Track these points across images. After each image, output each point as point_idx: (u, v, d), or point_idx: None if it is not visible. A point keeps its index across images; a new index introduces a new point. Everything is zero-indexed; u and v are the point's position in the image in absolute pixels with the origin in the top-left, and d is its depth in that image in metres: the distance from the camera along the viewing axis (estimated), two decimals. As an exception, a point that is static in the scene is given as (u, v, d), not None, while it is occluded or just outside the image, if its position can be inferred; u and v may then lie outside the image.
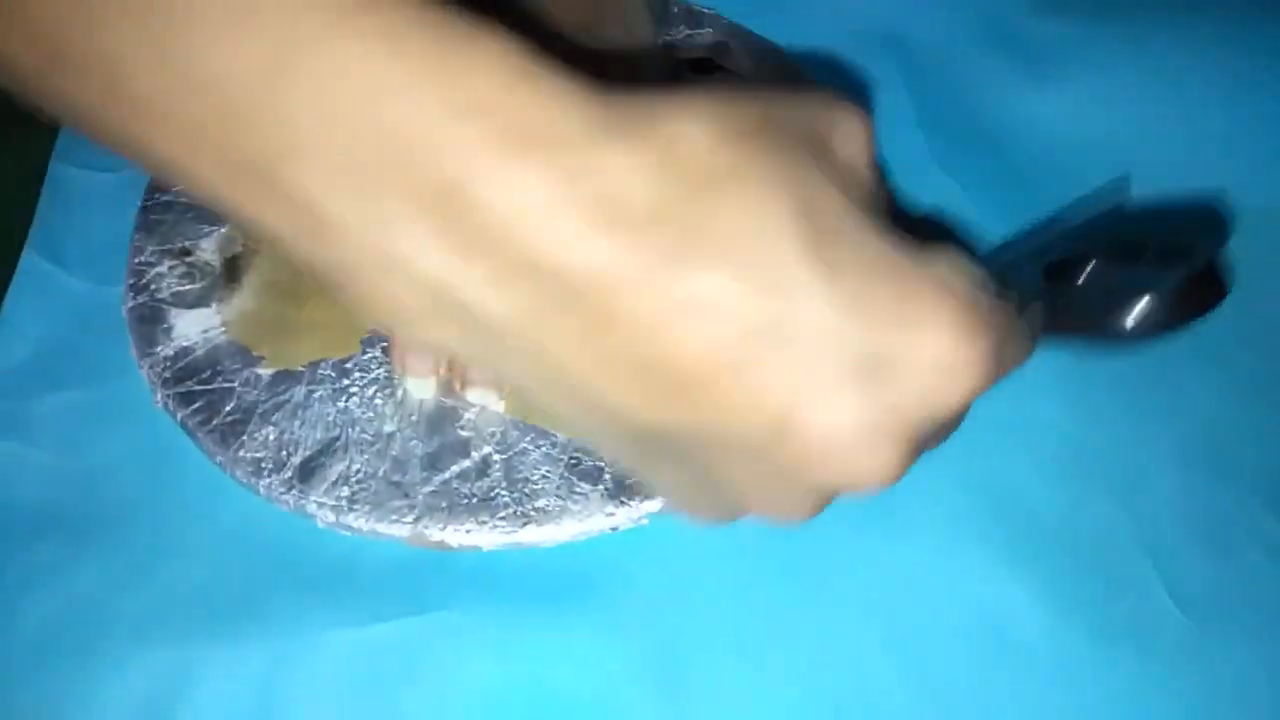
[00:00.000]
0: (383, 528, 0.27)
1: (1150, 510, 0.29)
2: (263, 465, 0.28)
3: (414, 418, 0.29)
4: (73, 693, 0.25)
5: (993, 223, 0.34)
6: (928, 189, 0.35)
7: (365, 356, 0.30)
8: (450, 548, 0.27)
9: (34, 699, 0.25)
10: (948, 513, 0.28)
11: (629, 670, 0.26)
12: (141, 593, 0.27)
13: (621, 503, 0.27)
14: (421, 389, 0.29)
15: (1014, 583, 0.27)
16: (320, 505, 0.27)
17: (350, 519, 0.27)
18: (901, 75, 0.38)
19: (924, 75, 0.38)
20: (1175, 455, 0.30)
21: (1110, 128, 0.37)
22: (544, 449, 0.28)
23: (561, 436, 0.28)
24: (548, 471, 0.28)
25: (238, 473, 0.28)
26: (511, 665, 0.26)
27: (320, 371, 0.29)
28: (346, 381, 0.29)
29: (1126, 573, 0.28)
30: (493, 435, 0.28)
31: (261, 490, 0.27)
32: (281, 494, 0.27)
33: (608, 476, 0.28)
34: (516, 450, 0.28)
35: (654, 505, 0.27)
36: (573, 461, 0.28)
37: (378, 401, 0.29)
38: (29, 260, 0.32)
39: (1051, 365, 0.31)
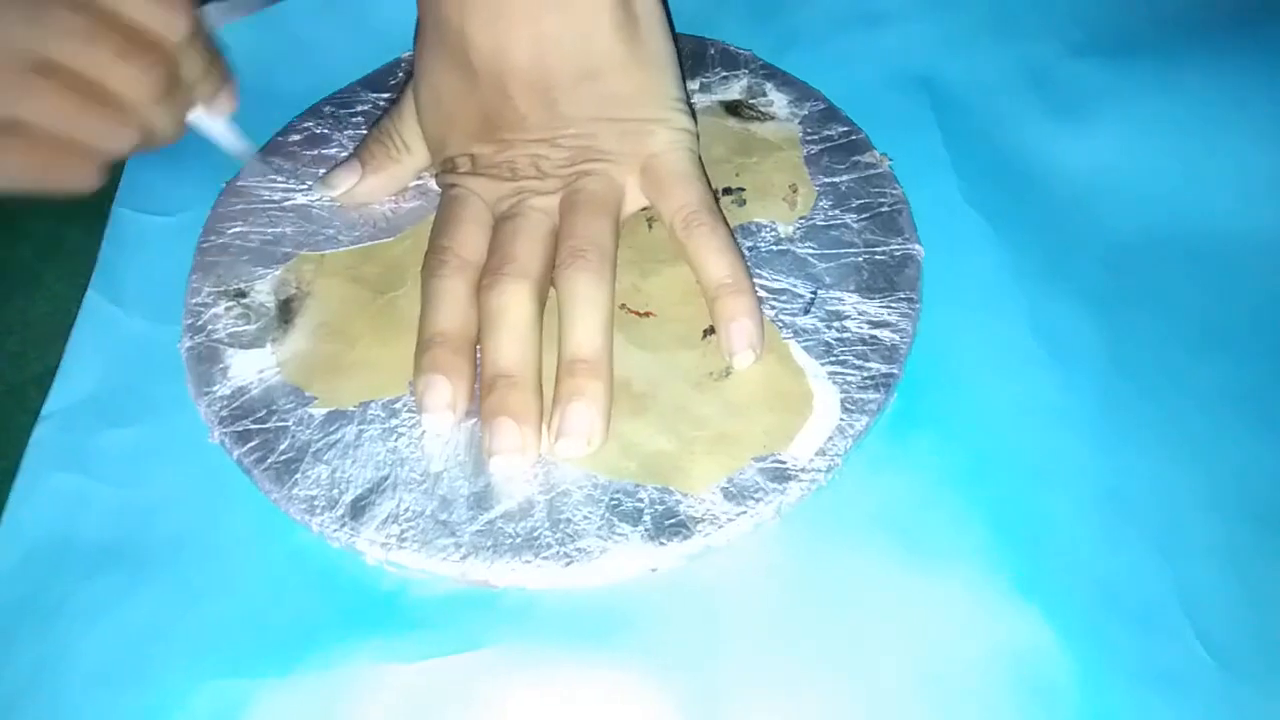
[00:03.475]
0: (430, 565, 0.28)
1: (1183, 555, 0.29)
2: (315, 503, 0.29)
3: (461, 458, 0.29)
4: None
5: (1023, 262, 0.35)
6: (959, 228, 0.35)
7: (413, 397, 0.30)
8: (495, 586, 0.28)
9: (95, 726, 0.26)
10: (980, 555, 0.29)
11: (667, 708, 0.27)
12: (197, 625, 0.28)
13: (661, 544, 0.28)
14: (439, 425, 0.30)
15: (1046, 626, 0.28)
16: (370, 543, 0.28)
17: (399, 556, 0.28)
18: (934, 115, 0.39)
19: (956, 116, 0.39)
20: (1209, 500, 0.30)
21: (1141, 168, 0.37)
22: (585, 490, 0.29)
23: (603, 479, 0.29)
24: (589, 513, 0.28)
25: (291, 510, 0.29)
26: (554, 702, 0.27)
27: (370, 411, 0.30)
28: (395, 421, 0.30)
29: (1159, 618, 0.28)
30: (535, 477, 0.29)
31: (314, 527, 0.28)
32: (333, 531, 0.28)
33: (647, 518, 0.28)
34: (559, 491, 0.29)
35: (693, 547, 0.28)
36: (613, 503, 0.29)
37: (425, 442, 0.30)
38: (91, 300, 0.33)
39: (1086, 406, 0.31)
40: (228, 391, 0.31)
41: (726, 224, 0.33)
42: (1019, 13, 0.42)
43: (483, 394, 0.29)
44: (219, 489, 0.30)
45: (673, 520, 0.28)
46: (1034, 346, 0.33)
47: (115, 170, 0.36)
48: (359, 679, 0.27)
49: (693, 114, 0.34)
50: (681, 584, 0.28)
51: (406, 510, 0.28)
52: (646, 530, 0.28)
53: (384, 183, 0.35)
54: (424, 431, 0.30)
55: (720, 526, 0.28)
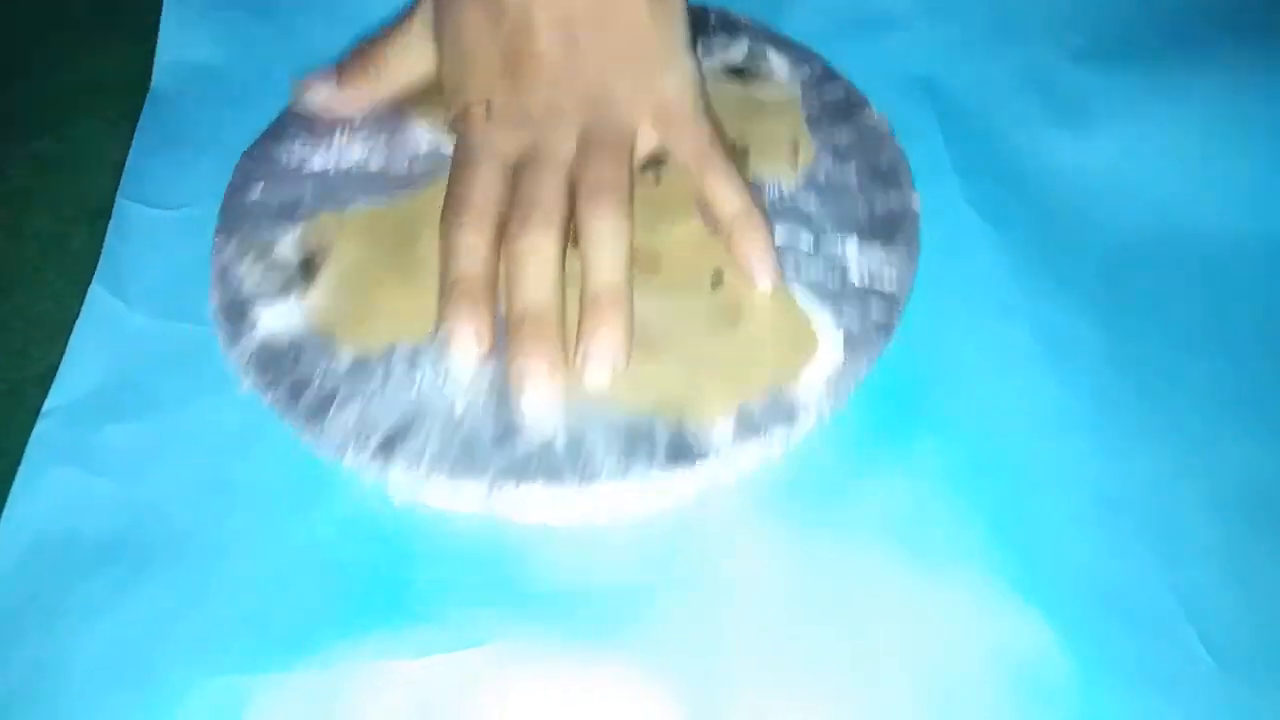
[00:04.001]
0: (457, 501, 0.29)
1: (1184, 558, 0.29)
2: (346, 443, 0.30)
3: (484, 398, 0.30)
4: (132, 718, 0.26)
5: (1026, 264, 0.35)
6: (962, 231, 0.36)
7: (436, 343, 0.31)
8: (519, 521, 0.29)
9: (96, 724, 0.26)
10: (981, 556, 0.29)
11: (669, 706, 0.27)
12: (198, 621, 0.28)
13: (675, 471, 0.29)
14: (465, 358, 0.31)
15: (1047, 629, 0.28)
16: (400, 478, 0.29)
17: (428, 492, 0.29)
18: (937, 120, 0.39)
19: (958, 120, 0.39)
20: (1210, 501, 0.30)
21: (1141, 171, 0.37)
22: (604, 424, 0.30)
23: (621, 414, 0.30)
24: (608, 445, 0.29)
25: (323, 450, 0.30)
26: (557, 699, 0.27)
27: (396, 356, 0.31)
28: (420, 365, 0.31)
29: (1159, 619, 0.28)
30: (557, 413, 0.30)
31: (346, 463, 0.29)
32: (364, 468, 0.29)
33: (662, 449, 0.29)
34: (579, 426, 0.30)
35: (704, 477, 0.29)
36: (630, 436, 0.30)
37: (450, 383, 0.31)
38: (95, 294, 0.33)
39: (1085, 408, 0.31)
40: (256, 344, 0.31)
41: (735, 163, 0.34)
42: (1020, 18, 0.42)
43: (510, 333, 0.30)
44: (222, 485, 0.30)
45: (686, 451, 0.29)
46: (1034, 348, 0.33)
47: (118, 166, 0.37)
48: (361, 675, 0.27)
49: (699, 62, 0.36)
50: (686, 586, 0.28)
51: (433, 448, 0.29)
52: (660, 460, 0.29)
53: (355, 98, 0.37)
54: (449, 373, 0.31)
55: (730, 458, 0.29)
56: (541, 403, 0.30)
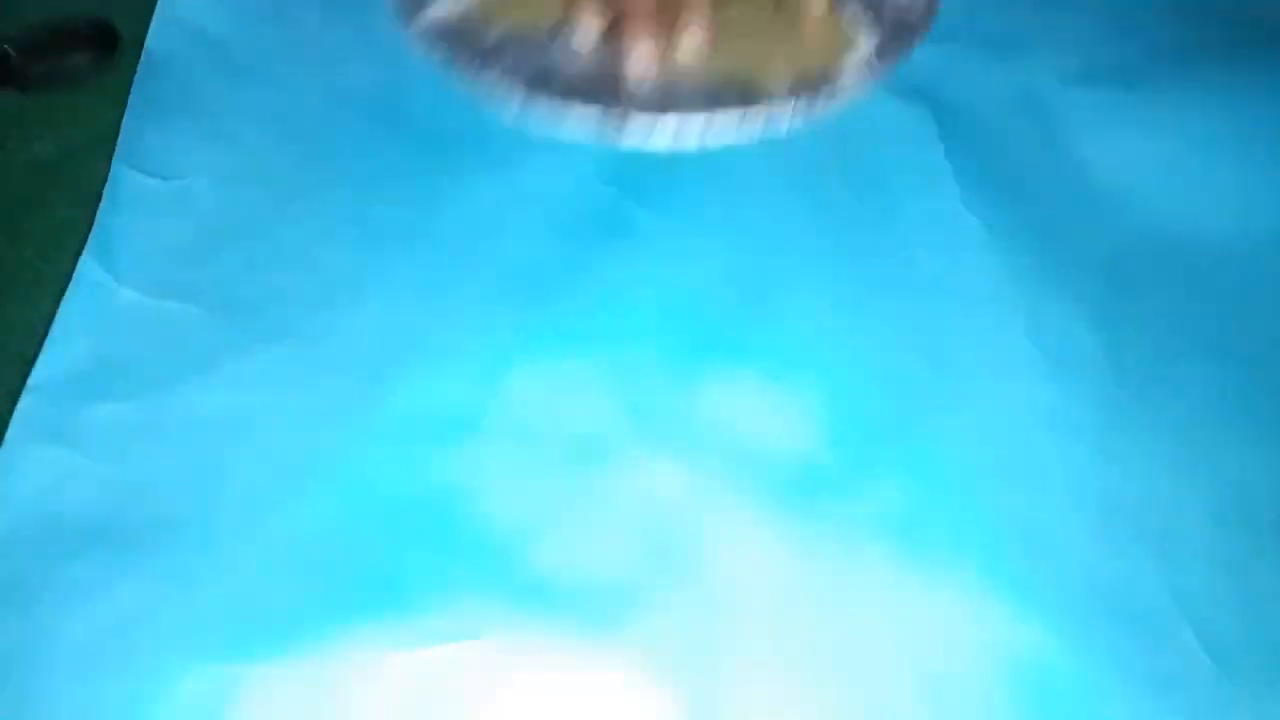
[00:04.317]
0: (579, 130, 0.38)
1: (1183, 561, 0.29)
2: (498, 87, 0.38)
3: (601, 58, 0.40)
4: (117, 705, 0.25)
5: (1026, 270, 0.35)
6: (960, 235, 0.36)
7: (567, 22, 0.40)
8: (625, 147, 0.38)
9: (78, 711, 0.25)
10: (980, 559, 0.29)
11: (667, 701, 0.26)
12: (186, 607, 0.27)
13: (748, 112, 0.38)
14: (588, 33, 0.40)
15: (1047, 631, 0.28)
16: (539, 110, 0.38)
17: (560, 120, 0.38)
18: (937, 127, 0.39)
19: (956, 130, 0.39)
20: (1209, 506, 0.30)
21: (1140, 179, 0.38)
22: (689, 78, 0.39)
23: (704, 76, 0.39)
24: (694, 93, 0.38)
25: (475, 89, 0.39)
26: (553, 693, 0.26)
27: (530, 30, 0.40)
28: (551, 37, 0.40)
29: (1158, 622, 0.28)
30: (654, 70, 0.39)
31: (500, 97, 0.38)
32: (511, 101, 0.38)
33: (735, 97, 0.38)
34: (673, 82, 0.39)
35: (761, 117, 0.38)
36: (712, 89, 0.38)
37: (575, 47, 0.40)
38: (86, 266, 0.32)
39: (1084, 412, 0.32)
40: (427, 22, 0.40)
41: None
42: (1018, 38, 0.43)
43: (626, 15, 0.40)
44: (211, 467, 0.29)
45: (752, 99, 0.38)
46: (1033, 353, 0.33)
47: (113, 135, 0.36)
48: (353, 665, 0.26)
49: None
50: (686, 582, 0.28)
51: (564, 81, 0.38)
52: (734, 103, 0.38)
53: None
54: (577, 41, 0.40)
55: (785, 106, 0.38)
56: (641, 66, 0.39)
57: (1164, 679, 0.27)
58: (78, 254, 0.33)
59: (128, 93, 0.37)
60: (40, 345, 0.31)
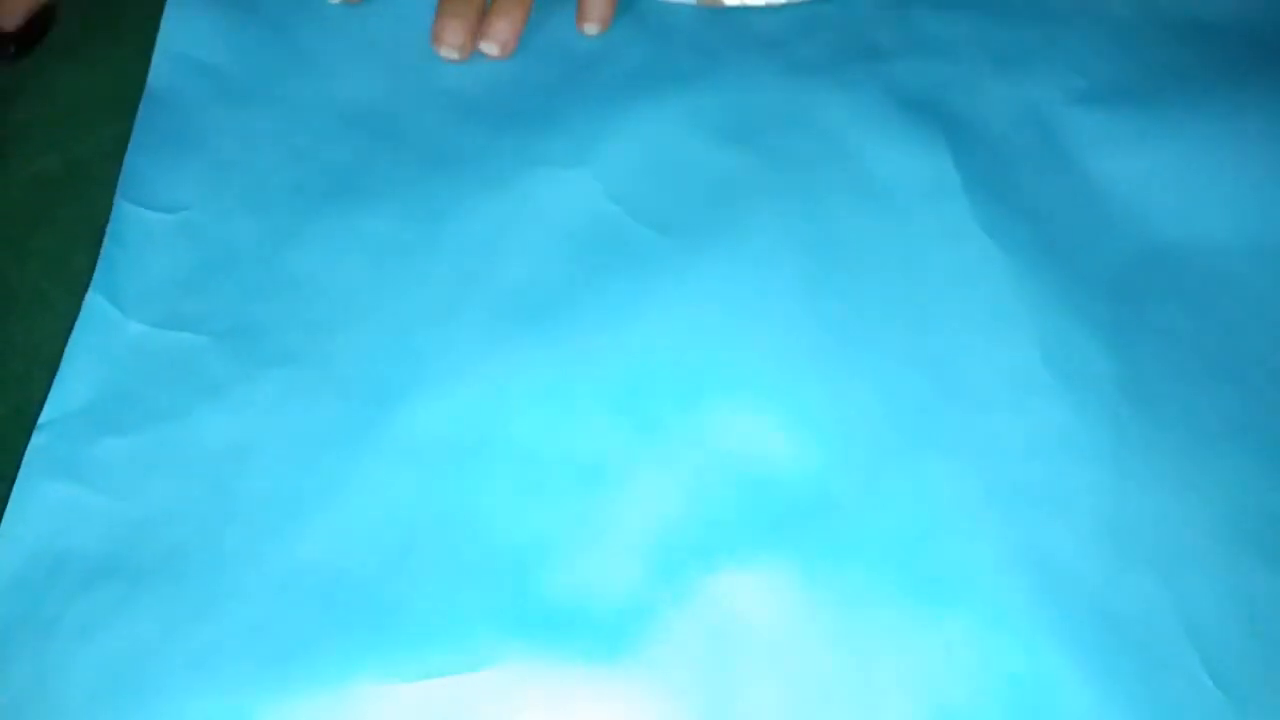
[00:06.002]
0: None
1: (1190, 588, 0.29)
2: None
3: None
4: (128, 739, 0.26)
5: (1036, 287, 0.35)
6: (970, 250, 0.35)
7: None
8: None
9: (91, 745, 0.26)
10: (989, 586, 0.29)
11: (676, 732, 0.26)
12: (194, 640, 0.27)
13: None
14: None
15: (1056, 658, 0.28)
16: None
17: None
18: (947, 142, 0.39)
19: (966, 146, 0.39)
20: (1216, 533, 0.30)
21: (1151, 199, 0.37)
22: None
23: None
24: None
25: None
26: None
27: None
28: None
29: (1167, 650, 0.28)
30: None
31: None
32: None
33: None
34: None
35: None
36: None
37: None
38: (93, 300, 0.32)
39: (1095, 434, 0.31)
40: None
41: None
42: (1025, 55, 0.42)
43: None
44: (215, 501, 0.29)
45: None
46: (1043, 372, 0.33)
47: (118, 150, 0.36)
48: (359, 698, 0.26)
49: None
50: (692, 610, 0.28)
51: None
52: None
53: None
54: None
55: None
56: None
57: (1170, 705, 0.27)
58: (84, 272, 0.33)
59: (131, 106, 0.37)
60: (45, 364, 0.32)
